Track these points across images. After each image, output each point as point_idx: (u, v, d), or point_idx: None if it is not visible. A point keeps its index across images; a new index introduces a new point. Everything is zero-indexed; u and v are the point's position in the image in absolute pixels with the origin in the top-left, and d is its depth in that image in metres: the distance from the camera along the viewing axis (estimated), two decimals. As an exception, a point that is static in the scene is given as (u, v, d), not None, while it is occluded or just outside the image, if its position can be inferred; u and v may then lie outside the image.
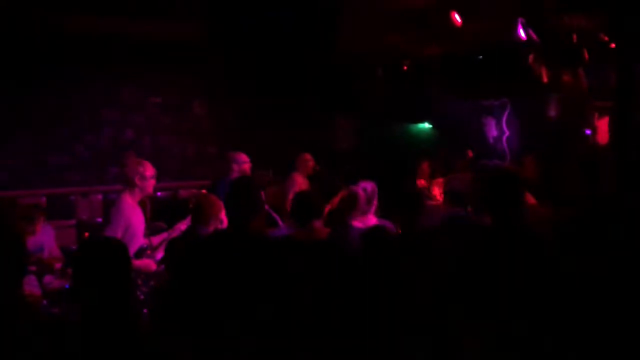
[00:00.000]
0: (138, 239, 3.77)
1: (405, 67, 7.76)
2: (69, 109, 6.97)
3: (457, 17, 5.51)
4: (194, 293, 2.66)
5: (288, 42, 6.30)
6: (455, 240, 2.92)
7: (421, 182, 6.47)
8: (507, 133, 7.77)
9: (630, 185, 4.84)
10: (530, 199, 4.83)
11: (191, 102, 7.87)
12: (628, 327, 2.44)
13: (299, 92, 8.02)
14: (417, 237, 3.09)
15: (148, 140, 7.50)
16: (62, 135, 6.91)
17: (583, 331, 2.40)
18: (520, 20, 5.24)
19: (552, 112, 6.65)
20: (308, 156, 6.07)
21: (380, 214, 3.91)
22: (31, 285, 3.77)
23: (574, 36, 5.38)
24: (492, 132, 7.94)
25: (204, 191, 5.38)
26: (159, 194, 7.13)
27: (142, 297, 3.50)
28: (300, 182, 5.87)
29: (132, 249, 3.62)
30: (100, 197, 6.94)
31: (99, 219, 6.28)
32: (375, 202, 3.80)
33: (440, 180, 5.95)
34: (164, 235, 3.96)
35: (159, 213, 4.86)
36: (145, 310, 3.26)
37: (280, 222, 4.73)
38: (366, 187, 3.82)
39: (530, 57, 5.72)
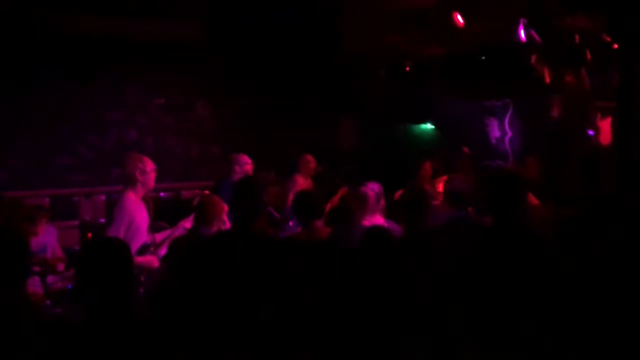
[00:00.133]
0: (141, 236, 3.78)
1: (407, 68, 7.76)
2: (72, 109, 6.98)
3: (459, 17, 5.51)
4: (197, 293, 2.67)
5: (290, 42, 6.31)
6: (457, 240, 2.92)
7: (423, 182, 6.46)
8: (509, 134, 7.76)
9: (632, 185, 4.83)
10: (533, 200, 4.83)
11: (194, 103, 7.88)
12: (628, 327, 2.45)
13: (301, 92, 8.02)
14: (419, 238, 3.10)
15: (151, 141, 7.51)
16: (65, 136, 6.92)
17: (583, 331, 2.40)
18: (522, 20, 5.23)
19: (555, 113, 6.64)
20: (309, 157, 6.07)
21: (386, 214, 3.92)
22: (34, 286, 3.79)
23: (577, 37, 5.38)
24: (495, 132, 7.93)
25: (206, 192, 5.40)
26: (161, 194, 7.15)
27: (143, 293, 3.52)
28: (301, 183, 5.88)
29: (135, 246, 3.64)
30: (103, 197, 6.95)
31: (102, 220, 6.30)
32: (382, 202, 3.81)
33: (443, 179, 5.95)
34: (168, 232, 3.98)
35: (162, 213, 4.88)
36: (145, 308, 3.27)
37: (280, 222, 4.74)
38: (374, 187, 3.83)
39: (533, 58, 5.71)
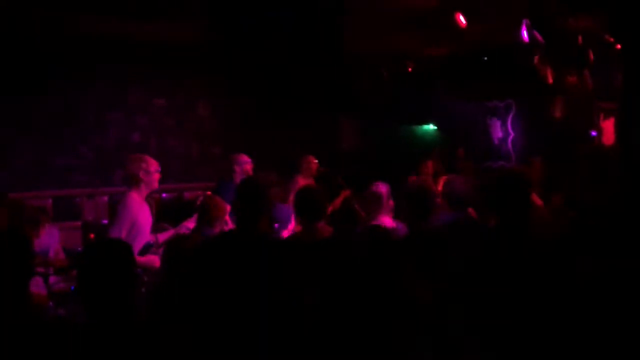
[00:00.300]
0: (144, 236, 3.78)
1: (409, 68, 7.76)
2: (74, 110, 7.00)
3: (461, 18, 5.51)
4: (199, 293, 2.67)
5: (292, 42, 6.30)
6: (460, 241, 2.92)
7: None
8: (512, 134, 7.75)
9: (636, 186, 4.82)
10: (537, 200, 4.82)
11: (195, 103, 7.90)
12: (629, 328, 2.44)
13: (302, 92, 8.03)
14: (421, 238, 3.09)
15: (153, 141, 7.52)
16: (67, 137, 6.94)
17: (585, 332, 2.40)
18: (525, 21, 5.22)
19: (557, 113, 6.64)
20: (311, 158, 6.06)
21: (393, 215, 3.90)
22: (37, 287, 3.79)
23: (580, 37, 5.37)
24: (497, 133, 7.93)
25: (208, 193, 5.39)
26: (164, 195, 7.15)
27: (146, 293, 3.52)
28: (302, 184, 5.86)
29: (138, 246, 3.63)
30: (105, 198, 6.96)
31: (105, 221, 6.30)
32: (391, 202, 3.79)
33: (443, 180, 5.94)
34: (171, 232, 3.98)
35: (164, 214, 4.89)
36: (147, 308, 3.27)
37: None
38: (383, 187, 3.82)
39: (536, 58, 5.70)
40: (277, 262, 2.70)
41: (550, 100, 6.65)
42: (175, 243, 3.47)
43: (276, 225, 4.53)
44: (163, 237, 3.90)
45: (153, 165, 3.85)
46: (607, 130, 6.30)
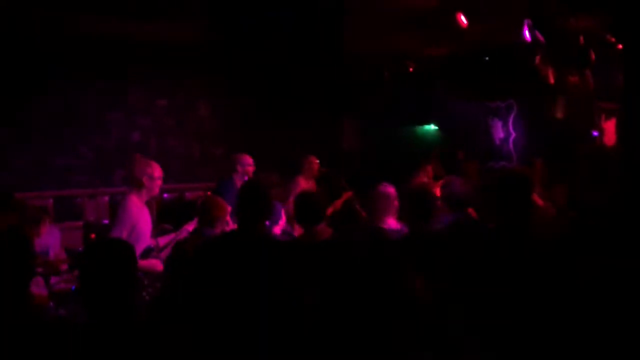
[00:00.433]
0: (145, 240, 3.78)
1: (410, 69, 7.75)
2: (75, 111, 6.99)
3: (463, 18, 5.50)
4: (201, 294, 2.67)
5: (293, 42, 6.30)
6: (461, 242, 2.91)
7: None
8: (513, 134, 7.75)
9: (637, 187, 4.81)
10: (539, 201, 4.82)
11: (196, 104, 7.89)
12: (630, 328, 2.44)
13: (303, 93, 8.03)
14: (422, 239, 3.08)
15: (154, 142, 7.52)
16: (68, 137, 6.93)
17: (587, 332, 2.39)
18: (526, 21, 5.22)
19: (559, 114, 6.63)
20: (313, 158, 6.06)
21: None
22: (38, 287, 3.79)
23: (581, 37, 5.36)
24: (499, 133, 7.92)
25: (209, 193, 5.39)
26: (165, 195, 7.16)
27: (147, 297, 3.51)
28: (303, 185, 5.86)
29: (138, 250, 3.63)
30: (106, 198, 6.97)
31: (106, 221, 6.30)
32: (396, 203, 3.78)
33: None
34: (171, 236, 3.98)
35: (165, 215, 4.88)
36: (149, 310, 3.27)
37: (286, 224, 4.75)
38: (391, 188, 3.81)
39: (537, 59, 5.70)
40: (277, 262, 2.70)
41: (552, 100, 6.65)
42: (178, 245, 3.48)
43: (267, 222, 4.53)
44: (163, 241, 3.90)
45: (157, 172, 3.85)
46: (609, 130, 6.29)
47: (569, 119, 6.58)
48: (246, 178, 5.15)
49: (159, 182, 3.86)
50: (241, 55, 7.16)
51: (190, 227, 3.90)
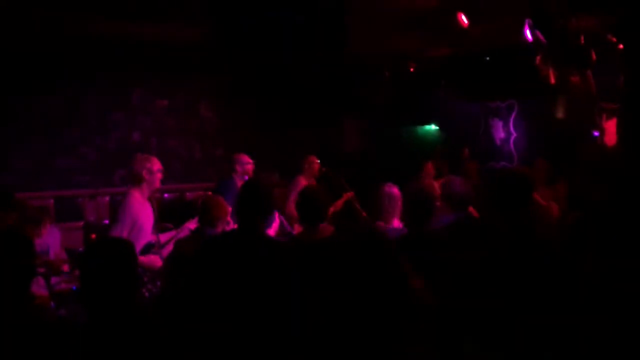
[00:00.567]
0: (145, 235, 3.79)
1: (411, 69, 7.75)
2: (77, 111, 7.00)
3: (463, 18, 5.50)
4: (202, 293, 2.66)
5: (294, 43, 6.30)
6: (462, 241, 2.91)
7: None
8: (514, 135, 7.74)
9: (638, 187, 4.80)
10: (541, 201, 4.82)
11: (197, 104, 7.90)
12: (633, 328, 2.43)
13: (304, 93, 8.03)
14: (422, 239, 3.08)
15: (155, 142, 7.52)
16: (69, 138, 6.94)
17: (590, 331, 2.39)
18: (527, 21, 5.21)
19: (560, 114, 6.62)
20: (313, 158, 6.05)
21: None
22: (39, 287, 3.79)
23: (582, 37, 5.35)
24: (499, 133, 7.91)
25: (209, 193, 5.39)
26: (165, 195, 7.16)
27: (147, 294, 3.52)
28: (304, 185, 5.86)
29: (139, 245, 3.65)
30: (107, 199, 6.97)
31: (106, 221, 6.30)
32: (400, 204, 3.78)
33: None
34: (173, 233, 3.99)
35: (166, 214, 4.87)
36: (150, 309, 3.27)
37: (286, 224, 4.74)
38: (396, 189, 3.81)
39: (538, 59, 5.69)
40: (277, 262, 2.69)
41: (553, 100, 6.64)
42: (179, 244, 3.48)
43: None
44: (164, 237, 3.91)
45: (156, 165, 3.90)
46: (609, 130, 6.28)
47: (569, 119, 6.57)
48: (246, 177, 5.16)
49: (159, 175, 3.90)
50: (242, 56, 7.15)
51: (192, 225, 3.91)
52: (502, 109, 7.86)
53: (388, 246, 2.55)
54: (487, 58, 7.20)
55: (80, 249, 4.77)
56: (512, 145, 7.75)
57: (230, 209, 3.74)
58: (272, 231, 4.55)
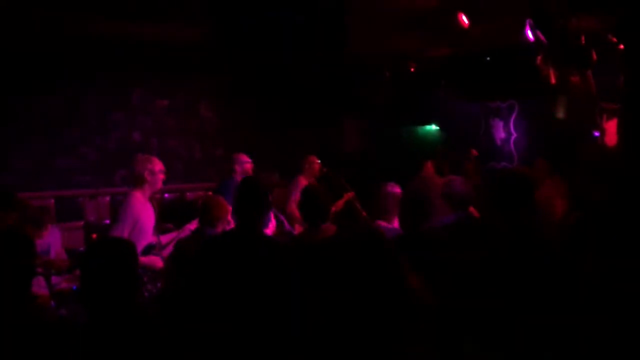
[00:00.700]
0: (146, 236, 3.79)
1: (411, 69, 7.75)
2: (77, 111, 7.00)
3: (464, 18, 5.50)
4: (202, 293, 2.67)
5: (294, 43, 6.30)
6: (463, 240, 2.91)
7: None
8: (514, 135, 7.74)
9: (638, 187, 4.80)
10: (540, 201, 4.80)
11: (197, 104, 7.90)
12: (634, 328, 2.43)
13: (304, 93, 8.03)
14: (422, 239, 3.08)
15: (155, 142, 7.53)
16: (69, 138, 6.94)
17: (591, 332, 2.39)
18: (528, 21, 5.21)
19: (560, 114, 6.62)
20: (314, 158, 6.06)
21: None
22: (39, 287, 3.79)
23: (582, 37, 5.35)
24: (500, 134, 7.91)
25: (210, 193, 5.40)
26: (166, 195, 7.16)
27: (146, 294, 3.52)
28: (304, 185, 5.86)
29: (140, 246, 3.64)
30: (107, 199, 6.97)
31: (107, 221, 6.31)
32: None
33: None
34: (174, 234, 3.99)
35: (167, 215, 4.88)
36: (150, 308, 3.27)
37: (286, 224, 4.73)
38: (398, 189, 3.81)
39: (538, 59, 5.69)
40: (277, 262, 2.69)
41: (553, 100, 6.63)
42: (179, 244, 3.48)
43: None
44: (165, 238, 3.92)
45: (158, 166, 3.90)
46: (610, 131, 6.28)
47: (570, 119, 6.57)
48: (246, 176, 5.16)
49: (161, 176, 3.90)
50: (242, 56, 7.15)
51: (193, 226, 3.91)
52: (502, 109, 7.86)
53: (388, 246, 2.55)
54: (488, 58, 7.20)
55: (81, 248, 4.77)
56: (512, 146, 7.75)
57: (230, 208, 3.74)
58: (269, 231, 4.55)
